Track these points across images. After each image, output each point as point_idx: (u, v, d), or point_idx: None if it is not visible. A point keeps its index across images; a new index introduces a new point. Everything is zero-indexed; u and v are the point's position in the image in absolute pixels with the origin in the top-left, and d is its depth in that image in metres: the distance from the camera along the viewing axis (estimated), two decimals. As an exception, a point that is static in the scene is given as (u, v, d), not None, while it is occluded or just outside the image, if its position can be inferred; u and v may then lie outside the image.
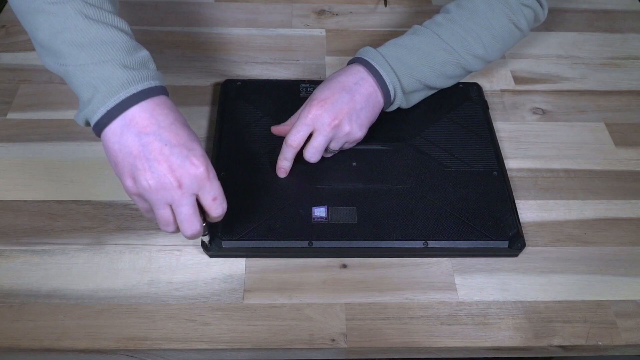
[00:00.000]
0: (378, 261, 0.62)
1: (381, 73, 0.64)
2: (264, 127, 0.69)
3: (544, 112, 0.77)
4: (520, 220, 0.64)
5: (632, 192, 0.69)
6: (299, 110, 0.65)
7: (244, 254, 0.61)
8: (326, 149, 0.64)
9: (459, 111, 0.73)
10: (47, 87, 0.76)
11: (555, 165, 0.71)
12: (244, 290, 0.59)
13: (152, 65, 0.52)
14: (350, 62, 0.67)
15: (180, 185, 0.49)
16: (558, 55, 0.85)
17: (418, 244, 0.61)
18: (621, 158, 0.72)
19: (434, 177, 0.66)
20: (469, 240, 0.61)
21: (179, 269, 0.60)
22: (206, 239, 0.59)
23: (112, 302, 0.58)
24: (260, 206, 0.62)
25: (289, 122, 0.67)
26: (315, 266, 0.61)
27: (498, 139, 0.71)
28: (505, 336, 0.57)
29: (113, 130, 0.49)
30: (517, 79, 0.81)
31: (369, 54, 0.66)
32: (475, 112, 0.73)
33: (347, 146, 0.66)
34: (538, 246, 0.64)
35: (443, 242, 0.61)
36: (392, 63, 0.64)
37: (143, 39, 0.83)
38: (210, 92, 0.77)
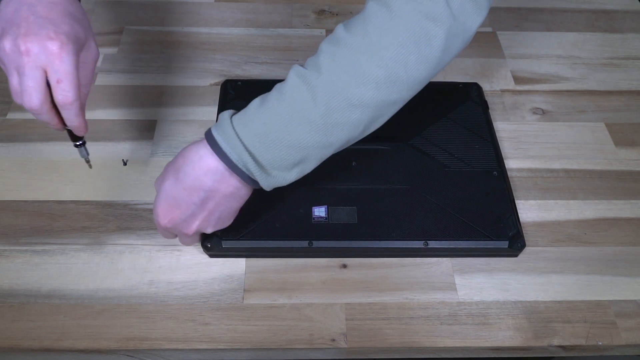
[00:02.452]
0: (378, 261, 0.62)
1: (229, 155, 0.49)
2: (264, 127, 0.69)
3: (544, 112, 0.77)
4: (520, 220, 0.64)
5: (632, 192, 0.69)
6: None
7: (244, 254, 0.61)
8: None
9: (459, 111, 0.73)
10: (47, 87, 0.76)
11: (555, 165, 0.71)
12: (244, 290, 0.59)
13: None
14: (206, 135, 0.52)
15: (27, 52, 0.48)
16: (558, 55, 0.85)
17: (418, 244, 0.61)
18: (621, 158, 0.72)
19: (434, 177, 0.66)
20: (469, 240, 0.61)
21: (179, 269, 0.60)
22: (84, 155, 0.59)
23: (112, 302, 0.58)
24: (260, 206, 0.62)
25: None
26: (315, 266, 0.61)
27: (498, 139, 0.71)
28: (505, 336, 0.57)
29: (4, 1, 0.51)
30: (517, 79, 0.81)
31: (220, 125, 0.50)
32: (475, 112, 0.73)
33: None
34: (538, 246, 0.64)
35: (443, 242, 0.61)
36: (245, 138, 0.49)
37: (143, 39, 0.83)
38: (210, 92, 0.77)
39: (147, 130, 0.72)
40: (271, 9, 0.89)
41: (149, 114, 0.74)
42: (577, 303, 0.60)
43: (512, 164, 0.71)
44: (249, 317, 0.57)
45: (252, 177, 0.51)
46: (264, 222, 0.61)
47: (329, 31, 0.86)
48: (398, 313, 0.58)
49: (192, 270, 0.60)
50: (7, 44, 0.49)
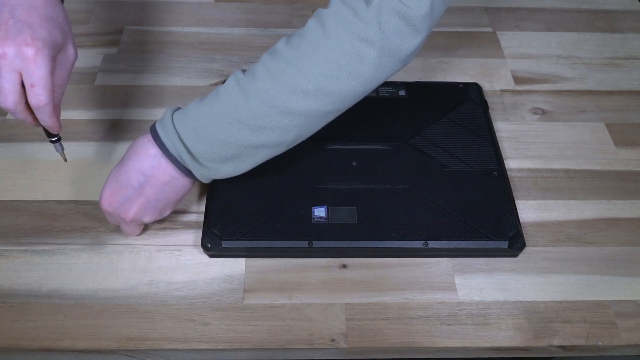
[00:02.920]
0: (378, 261, 0.62)
1: (166, 144, 0.55)
2: (264, 127, 0.69)
3: (544, 112, 0.77)
4: (520, 220, 0.64)
5: (632, 192, 0.69)
6: None
7: (244, 254, 0.61)
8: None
9: (459, 111, 0.73)
10: (47, 87, 0.76)
11: (555, 165, 0.71)
12: (244, 290, 0.59)
13: None
14: (150, 128, 0.58)
15: (4, 56, 0.50)
16: (558, 55, 0.85)
17: (418, 244, 0.61)
18: (621, 158, 0.72)
19: (434, 177, 0.66)
20: (469, 240, 0.61)
21: (179, 269, 0.60)
22: (59, 150, 0.60)
23: (112, 302, 0.58)
24: (260, 206, 0.62)
25: None
26: (315, 266, 0.61)
27: (498, 139, 0.71)
28: (505, 336, 0.57)
29: None
30: (517, 79, 0.81)
31: (162, 119, 0.56)
32: (475, 112, 0.73)
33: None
34: (538, 246, 0.64)
35: (443, 242, 0.61)
36: (181, 129, 0.54)
37: (143, 39, 0.83)
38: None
39: (147, 130, 0.72)
40: (271, 9, 0.89)
41: (148, 114, 0.74)
42: (577, 303, 0.60)
43: (512, 164, 0.71)
44: (249, 317, 0.57)
45: (185, 166, 0.56)
46: (264, 222, 0.61)
47: (329, 31, 0.86)
48: (398, 313, 0.58)
49: (192, 270, 0.60)
50: None
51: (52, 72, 0.52)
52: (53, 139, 0.59)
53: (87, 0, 0.88)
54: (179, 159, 0.55)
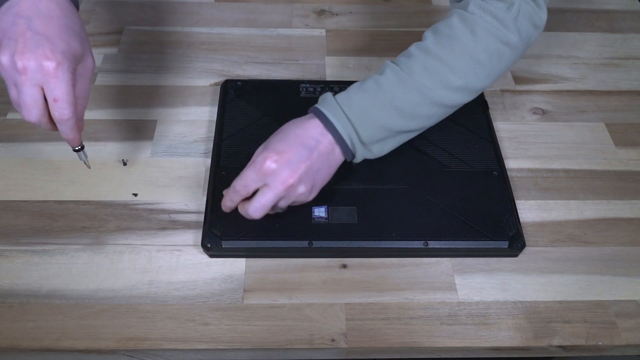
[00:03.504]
0: (378, 261, 0.62)
1: (337, 127, 0.58)
2: (264, 127, 0.69)
3: (544, 112, 0.77)
4: (520, 220, 0.64)
5: (632, 192, 0.69)
6: (253, 157, 0.58)
7: (244, 254, 0.61)
8: (273, 207, 0.58)
9: (458, 111, 0.72)
10: (47, 87, 0.76)
11: (555, 165, 0.71)
12: (244, 290, 0.59)
13: None
14: (310, 111, 0.60)
15: (24, 70, 0.49)
16: (558, 55, 0.85)
17: (418, 244, 0.61)
18: (621, 158, 0.72)
19: (434, 177, 0.66)
20: (469, 240, 0.61)
21: (179, 269, 0.60)
22: (82, 158, 0.60)
23: (112, 302, 0.58)
24: (260, 206, 0.62)
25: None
26: (315, 266, 0.61)
27: (498, 139, 0.72)
28: (505, 336, 0.57)
29: (2, 8, 0.51)
30: (517, 79, 0.81)
31: (326, 103, 0.59)
32: (475, 112, 0.73)
33: (296, 204, 0.60)
34: (538, 246, 0.64)
35: (443, 242, 0.61)
36: (349, 114, 0.58)
37: (143, 39, 0.83)
38: (210, 92, 0.77)
39: (147, 130, 0.72)
40: (271, 9, 0.89)
41: (149, 114, 0.74)
42: (577, 303, 0.60)
43: (512, 164, 0.71)
44: (249, 317, 0.57)
45: (353, 146, 0.59)
46: (264, 222, 0.61)
47: (329, 31, 0.86)
48: (398, 313, 0.58)
49: (192, 270, 0.60)
50: (4, 59, 0.50)
51: (74, 85, 0.52)
52: (77, 148, 0.59)
53: (87, 0, 0.88)
54: (348, 140, 0.58)
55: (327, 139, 0.58)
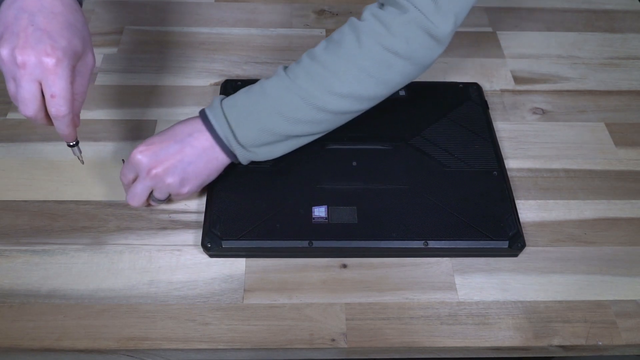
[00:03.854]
0: (378, 261, 0.62)
1: (215, 127, 0.59)
2: (264, 127, 0.69)
3: (544, 112, 0.77)
4: (520, 220, 0.64)
5: (632, 192, 0.69)
6: None
7: (244, 254, 0.61)
8: (151, 196, 0.61)
9: (459, 111, 0.73)
10: (47, 87, 0.76)
11: (555, 165, 0.71)
12: (244, 290, 0.59)
13: None
14: (199, 111, 0.62)
15: (24, 65, 0.50)
16: (558, 55, 0.85)
17: (418, 244, 0.61)
18: (621, 158, 0.72)
19: (434, 177, 0.66)
20: (469, 240, 0.61)
21: (179, 269, 0.60)
22: (76, 153, 0.61)
23: (112, 302, 0.58)
24: (260, 206, 0.62)
25: None
26: (315, 266, 0.61)
27: (498, 139, 0.72)
28: (505, 336, 0.57)
29: (5, 3, 0.52)
30: (517, 79, 0.81)
31: (212, 104, 0.61)
32: (475, 112, 0.73)
33: (177, 199, 0.63)
34: (538, 246, 0.64)
35: (443, 242, 0.61)
36: (229, 116, 0.59)
37: (143, 39, 0.83)
38: (210, 92, 0.77)
39: (147, 130, 0.72)
40: (271, 9, 0.89)
41: (149, 114, 0.74)
42: (577, 303, 0.60)
43: (512, 164, 0.71)
44: (249, 317, 0.57)
45: (231, 149, 0.60)
46: (264, 222, 0.61)
47: (329, 31, 0.86)
48: (398, 313, 0.58)
49: (192, 270, 0.60)
50: (5, 52, 0.50)
51: (72, 82, 0.53)
52: (71, 144, 0.59)
53: (87, 0, 0.88)
54: (225, 141, 0.59)
55: (205, 135, 0.59)
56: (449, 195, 0.64)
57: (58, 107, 0.52)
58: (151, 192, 0.61)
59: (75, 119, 0.55)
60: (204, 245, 0.60)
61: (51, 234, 0.62)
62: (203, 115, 0.60)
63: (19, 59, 0.49)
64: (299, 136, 0.61)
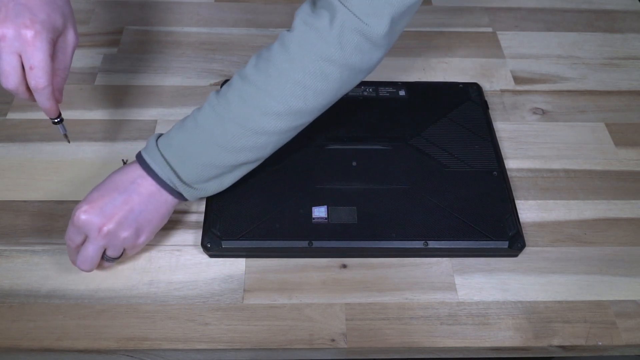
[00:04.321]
0: (378, 261, 0.62)
1: (155, 170, 0.56)
2: (264, 127, 0.69)
3: (544, 112, 0.77)
4: (520, 220, 0.64)
5: (632, 192, 0.69)
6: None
7: (244, 254, 0.61)
8: (104, 256, 0.57)
9: (459, 111, 0.73)
10: (47, 87, 0.76)
11: (555, 165, 0.71)
12: (244, 290, 0.59)
13: None
14: (136, 156, 0.58)
15: (3, 37, 0.51)
16: (558, 55, 0.85)
17: (418, 244, 0.61)
18: (621, 158, 0.72)
19: (434, 177, 0.66)
20: (468, 240, 0.61)
21: (179, 269, 0.60)
22: (62, 131, 0.61)
23: (112, 302, 0.58)
24: (260, 206, 0.62)
25: None
26: (315, 266, 0.61)
27: (498, 139, 0.72)
28: (505, 336, 0.57)
29: None
30: (517, 79, 0.81)
31: (147, 147, 0.57)
32: (475, 112, 0.73)
33: (132, 252, 0.58)
34: (538, 246, 0.64)
35: (443, 242, 0.61)
36: (167, 156, 0.56)
37: (143, 39, 0.83)
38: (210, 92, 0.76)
39: (147, 130, 0.72)
40: (271, 9, 0.89)
41: (149, 114, 0.74)
42: (577, 303, 0.60)
43: (512, 164, 0.71)
44: (249, 317, 0.57)
45: (176, 189, 0.56)
46: (264, 222, 0.61)
47: (329, 31, 0.86)
48: (398, 313, 0.58)
49: (192, 270, 0.60)
50: None
51: (52, 56, 0.53)
52: (55, 120, 0.59)
53: (87, 0, 0.88)
54: (170, 183, 0.56)
55: (148, 181, 0.56)
56: (449, 195, 0.64)
57: (37, 79, 0.52)
58: (103, 253, 0.56)
59: (56, 94, 0.56)
60: (204, 245, 0.60)
61: (51, 234, 0.62)
62: (141, 160, 0.56)
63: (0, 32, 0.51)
64: (246, 163, 0.58)
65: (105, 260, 0.57)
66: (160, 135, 0.58)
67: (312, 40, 0.53)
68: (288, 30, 0.55)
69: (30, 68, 0.52)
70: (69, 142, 0.63)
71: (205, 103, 0.57)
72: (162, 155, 0.56)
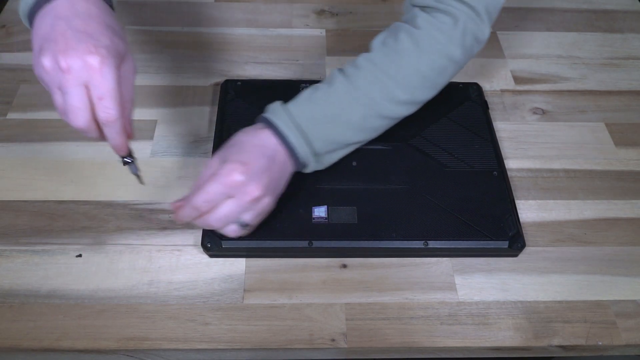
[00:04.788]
0: (378, 261, 0.62)
1: (290, 138, 0.57)
2: (264, 127, 0.69)
3: (544, 112, 0.77)
4: (520, 220, 0.64)
5: (632, 192, 0.69)
6: (207, 170, 0.55)
7: (244, 254, 0.61)
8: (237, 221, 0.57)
9: (459, 111, 0.73)
10: (47, 87, 0.76)
11: (555, 165, 0.71)
12: (244, 290, 0.59)
13: None
14: (260, 121, 0.59)
15: (68, 69, 0.46)
16: (558, 55, 0.85)
17: (418, 244, 0.61)
18: (621, 158, 0.72)
19: (434, 177, 0.66)
20: (469, 240, 0.61)
21: (179, 269, 0.60)
22: (134, 171, 0.56)
23: (112, 302, 0.58)
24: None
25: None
26: (315, 266, 0.61)
27: (498, 139, 0.72)
28: (505, 336, 0.57)
29: (39, 16, 0.49)
30: (517, 79, 0.81)
31: (277, 113, 0.58)
32: (475, 112, 0.73)
33: (258, 220, 0.58)
34: (538, 246, 0.64)
35: (443, 242, 0.61)
36: (304, 127, 0.57)
37: (143, 39, 0.83)
38: (210, 92, 0.77)
39: (147, 130, 0.72)
40: (271, 9, 0.89)
41: (149, 114, 0.74)
42: (577, 303, 0.60)
43: (512, 164, 0.71)
44: (249, 317, 0.57)
45: (306, 161, 0.60)
46: (264, 222, 0.61)
47: (329, 31, 0.86)
48: (398, 313, 0.58)
49: (192, 270, 0.60)
50: (47, 61, 0.47)
51: (119, 83, 0.49)
52: (127, 159, 0.53)
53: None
54: (302, 152, 0.58)
55: (282, 148, 0.57)
56: (449, 195, 0.64)
57: (108, 110, 0.48)
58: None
59: (127, 126, 0.51)
60: (204, 245, 0.60)
61: (51, 234, 0.62)
62: (271, 125, 0.57)
63: (63, 63, 0.46)
64: (357, 143, 0.62)
65: (240, 225, 0.56)
66: (283, 103, 0.59)
67: (442, 41, 0.59)
68: (411, 26, 0.60)
69: (99, 98, 0.47)
70: (142, 183, 0.59)
71: (335, 81, 0.59)
72: (297, 124, 0.57)
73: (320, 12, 0.89)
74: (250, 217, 0.56)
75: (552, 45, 0.86)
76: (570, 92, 0.80)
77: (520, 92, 0.79)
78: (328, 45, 0.84)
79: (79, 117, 0.48)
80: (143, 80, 0.78)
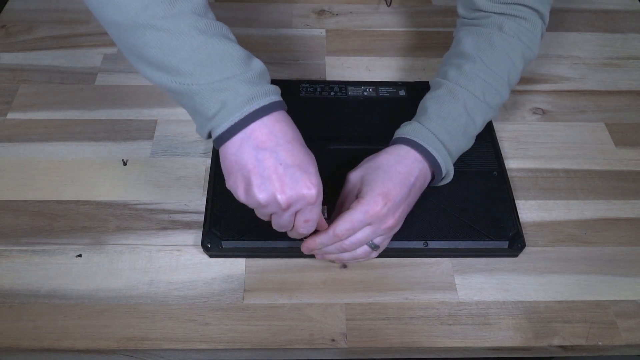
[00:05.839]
0: (378, 261, 0.62)
1: (439, 161, 0.59)
2: (264, 127, 0.69)
3: (544, 112, 0.77)
4: (520, 220, 0.64)
5: (632, 192, 0.69)
6: (346, 192, 0.59)
7: (244, 254, 0.61)
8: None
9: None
10: (47, 87, 0.76)
11: (555, 165, 0.71)
12: (244, 290, 0.59)
13: (268, 78, 0.52)
14: (398, 142, 0.60)
15: (288, 207, 0.49)
16: (558, 55, 0.85)
17: (418, 244, 0.61)
18: (621, 158, 0.72)
19: (434, 177, 0.66)
20: (469, 240, 0.61)
21: (179, 269, 0.60)
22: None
23: (112, 302, 0.58)
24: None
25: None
26: (315, 266, 0.61)
27: (498, 139, 0.72)
28: (505, 336, 0.57)
29: (233, 142, 0.49)
30: (517, 79, 0.81)
31: (421, 135, 0.59)
32: (475, 112, 0.73)
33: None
34: (538, 246, 0.64)
35: (443, 242, 0.61)
36: (447, 145, 0.59)
37: (143, 39, 0.83)
38: (210, 92, 0.76)
39: (147, 130, 0.72)
40: (271, 9, 0.89)
41: (149, 114, 0.74)
42: (577, 303, 0.60)
43: (512, 164, 0.71)
44: (249, 317, 0.57)
45: (448, 177, 0.62)
46: (264, 222, 0.61)
47: (329, 31, 0.86)
48: (398, 313, 0.58)
49: (192, 270, 0.60)
50: (263, 197, 0.48)
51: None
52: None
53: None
54: (445, 171, 0.60)
55: (425, 172, 0.59)
56: (449, 195, 0.64)
57: (309, 228, 0.52)
58: None
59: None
60: (204, 245, 0.60)
61: (51, 234, 0.62)
62: (421, 150, 0.58)
63: (284, 203, 0.48)
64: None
65: (371, 247, 0.57)
66: (419, 122, 0.60)
67: (520, 46, 0.63)
68: (501, 31, 0.63)
69: (306, 221, 0.51)
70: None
71: (456, 93, 0.61)
72: (444, 146, 0.59)
73: (320, 12, 0.89)
74: (381, 240, 0.57)
75: (552, 45, 0.86)
76: (570, 92, 0.80)
77: (520, 92, 0.79)
78: (328, 45, 0.84)
79: (282, 230, 0.54)
80: (143, 80, 0.77)
